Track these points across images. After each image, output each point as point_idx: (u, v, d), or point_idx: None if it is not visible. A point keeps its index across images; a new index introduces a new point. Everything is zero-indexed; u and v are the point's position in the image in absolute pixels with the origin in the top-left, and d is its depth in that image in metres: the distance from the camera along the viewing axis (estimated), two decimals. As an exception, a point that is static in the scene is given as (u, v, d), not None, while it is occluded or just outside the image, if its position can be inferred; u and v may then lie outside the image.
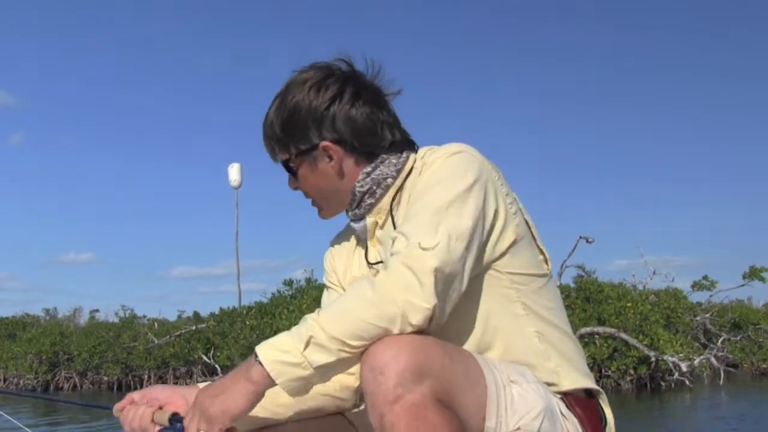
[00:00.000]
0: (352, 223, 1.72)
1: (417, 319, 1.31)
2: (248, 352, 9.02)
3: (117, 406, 1.63)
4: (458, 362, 1.37)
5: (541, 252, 1.62)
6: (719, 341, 15.30)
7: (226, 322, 13.36)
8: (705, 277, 15.68)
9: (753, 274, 15.14)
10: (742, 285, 15.51)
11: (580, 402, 1.55)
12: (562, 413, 1.50)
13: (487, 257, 1.49)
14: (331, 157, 1.65)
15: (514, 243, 1.52)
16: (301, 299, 11.68)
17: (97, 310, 24.62)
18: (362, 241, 1.74)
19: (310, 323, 1.34)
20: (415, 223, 1.39)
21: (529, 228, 1.60)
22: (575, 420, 1.51)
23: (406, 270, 1.32)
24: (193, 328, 14.98)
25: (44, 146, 40.60)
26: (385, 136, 1.66)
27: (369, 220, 1.67)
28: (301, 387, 1.36)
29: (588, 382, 1.60)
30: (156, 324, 16.99)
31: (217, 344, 13.43)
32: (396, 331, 1.31)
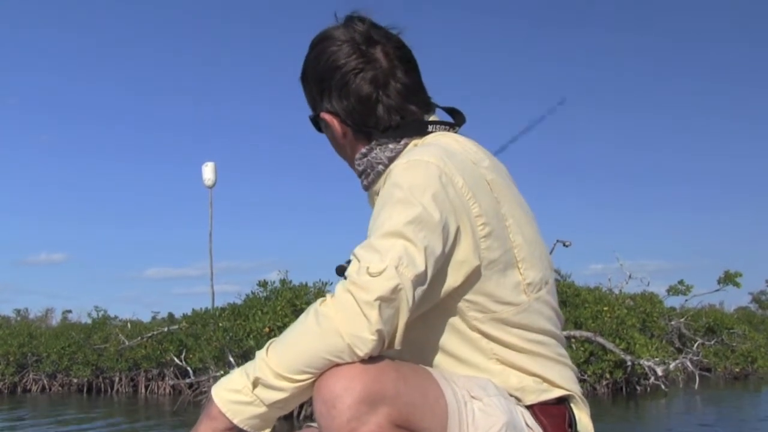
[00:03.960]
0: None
1: (364, 351, 1.26)
2: (220, 354, 8.82)
3: None
4: (415, 384, 1.33)
5: (522, 274, 1.49)
6: (694, 346, 15.37)
7: (199, 324, 13.16)
8: (681, 282, 15.79)
9: (728, 278, 15.24)
10: (717, 290, 15.63)
11: (546, 410, 1.50)
12: (527, 424, 1.46)
13: (443, 283, 1.41)
14: (331, 127, 1.63)
15: (477, 269, 1.42)
16: (275, 301, 11.49)
17: (70, 311, 24.33)
18: None
19: (258, 362, 1.32)
20: (366, 245, 1.33)
21: (514, 249, 1.48)
22: (540, 430, 1.47)
23: (350, 299, 1.26)
24: (165, 329, 14.76)
25: (16, 145, 40.03)
26: (381, 118, 1.58)
27: (369, 200, 1.65)
28: (262, 422, 1.35)
29: (557, 392, 1.53)
30: (129, 325, 16.73)
31: (189, 346, 13.24)
32: (344, 362, 1.27)
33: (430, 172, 1.40)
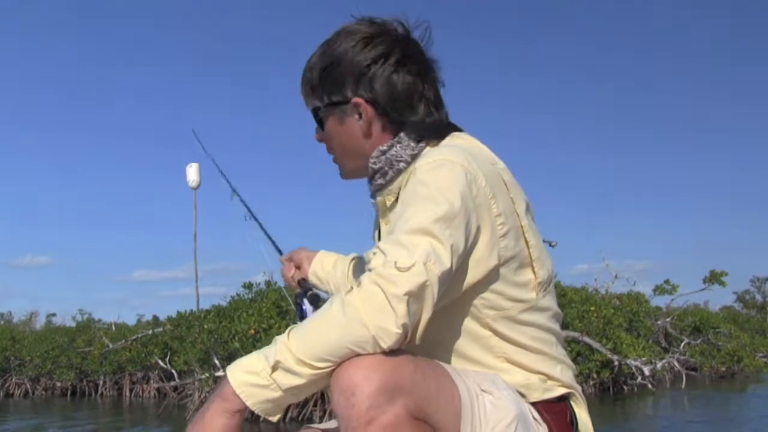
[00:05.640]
0: (370, 199, 1.69)
1: (388, 343, 1.27)
2: (206, 356, 8.68)
3: (284, 257, 2.17)
4: (431, 377, 1.35)
5: (534, 272, 1.54)
6: (681, 345, 15.40)
7: (184, 326, 13.04)
8: (666, 281, 15.75)
9: (714, 278, 15.25)
10: (703, 289, 15.64)
11: (549, 408, 1.54)
12: (534, 418, 1.49)
13: (464, 280, 1.44)
14: (360, 116, 1.60)
15: (494, 268, 1.46)
16: (260, 302, 11.43)
17: (54, 314, 24.10)
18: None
19: (279, 346, 1.31)
20: (393, 240, 1.34)
21: (528, 246, 1.53)
22: (543, 427, 1.51)
23: (378, 291, 1.27)
24: (150, 332, 14.62)
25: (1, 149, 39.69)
26: (419, 109, 1.60)
27: (379, 199, 1.64)
28: (273, 408, 1.34)
29: (560, 390, 1.57)
30: (113, 328, 16.58)
31: (174, 349, 13.11)
32: (365, 353, 1.28)
33: (456, 172, 1.42)
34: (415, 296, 1.27)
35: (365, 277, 1.30)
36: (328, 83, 1.63)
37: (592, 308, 12.62)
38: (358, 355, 1.28)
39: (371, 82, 1.58)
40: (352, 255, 2.11)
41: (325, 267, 2.11)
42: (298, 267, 2.14)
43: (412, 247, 1.31)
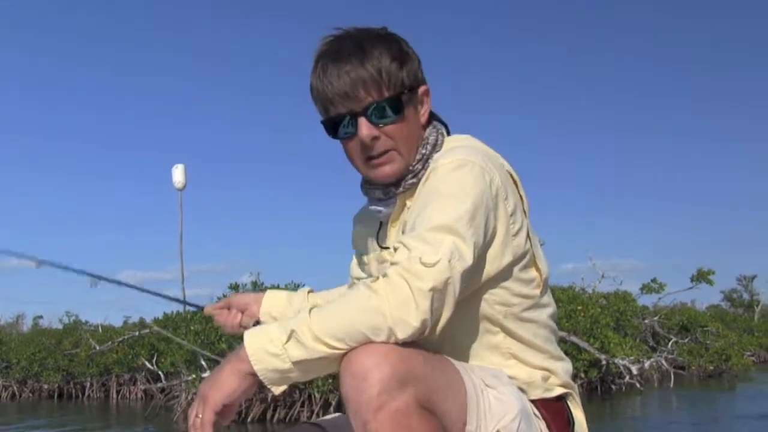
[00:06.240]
0: (373, 206, 1.68)
1: (404, 335, 1.30)
2: (193, 358, 8.59)
3: (209, 309, 2.02)
4: (439, 370, 1.38)
5: (538, 270, 1.59)
6: (669, 344, 15.43)
7: (170, 328, 12.98)
8: (654, 280, 15.81)
9: (701, 276, 15.29)
10: (690, 288, 15.68)
11: (547, 405, 1.58)
12: (535, 414, 1.54)
13: (480, 276, 1.48)
14: (423, 103, 1.64)
15: (507, 265, 1.51)
16: (247, 303, 11.38)
17: (41, 317, 23.99)
18: (377, 221, 1.71)
19: (299, 318, 1.34)
20: (417, 236, 1.37)
21: (531, 244, 1.58)
22: (543, 423, 1.56)
23: (404, 284, 1.30)
24: (136, 333, 14.55)
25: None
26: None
27: (399, 202, 1.64)
28: (279, 378, 1.35)
29: (559, 390, 1.61)
30: (100, 329, 16.50)
31: (161, 350, 13.06)
32: (380, 341, 1.30)
33: (476, 172, 1.46)
34: (439, 292, 1.30)
35: (391, 269, 1.33)
36: (407, 69, 1.59)
37: (579, 307, 12.63)
38: (371, 342, 1.30)
39: (422, 73, 1.64)
40: (307, 289, 2.02)
41: (278, 306, 2.00)
42: (242, 311, 2.02)
43: (436, 243, 1.34)
